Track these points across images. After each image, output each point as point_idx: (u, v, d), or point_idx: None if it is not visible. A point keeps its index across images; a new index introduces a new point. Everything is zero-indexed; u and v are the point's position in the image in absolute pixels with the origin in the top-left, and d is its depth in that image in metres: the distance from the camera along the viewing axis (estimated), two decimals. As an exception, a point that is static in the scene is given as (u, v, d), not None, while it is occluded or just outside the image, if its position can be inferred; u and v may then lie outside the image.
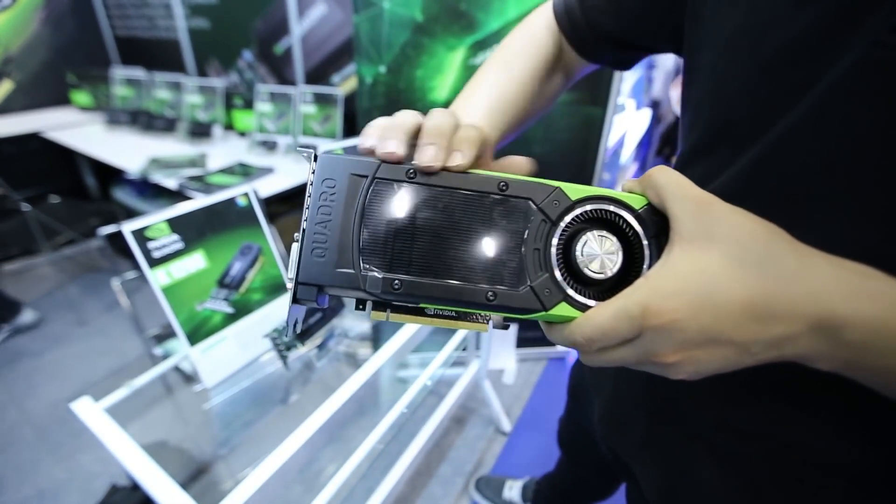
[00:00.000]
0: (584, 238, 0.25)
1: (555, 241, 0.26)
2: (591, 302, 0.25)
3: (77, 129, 2.35)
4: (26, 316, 1.92)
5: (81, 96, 2.64)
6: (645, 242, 0.25)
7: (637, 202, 0.25)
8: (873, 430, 0.30)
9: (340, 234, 0.25)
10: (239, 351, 0.76)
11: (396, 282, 0.25)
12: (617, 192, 0.26)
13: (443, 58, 1.21)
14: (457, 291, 0.25)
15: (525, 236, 0.26)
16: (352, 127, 1.92)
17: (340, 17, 1.84)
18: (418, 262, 0.25)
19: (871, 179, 0.26)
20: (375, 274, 0.25)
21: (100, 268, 2.43)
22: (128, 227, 0.62)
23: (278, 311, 0.81)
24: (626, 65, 0.49)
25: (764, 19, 0.30)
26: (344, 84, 1.96)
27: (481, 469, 1.41)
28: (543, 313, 0.25)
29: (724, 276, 0.21)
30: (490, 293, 0.25)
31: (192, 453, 0.82)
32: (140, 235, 0.63)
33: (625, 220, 0.25)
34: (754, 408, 0.34)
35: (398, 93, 1.25)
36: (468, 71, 1.22)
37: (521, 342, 1.77)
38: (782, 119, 0.29)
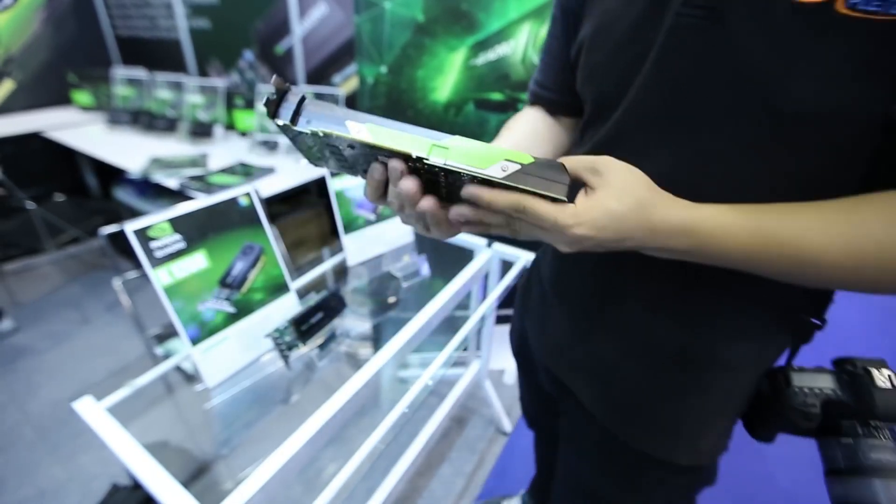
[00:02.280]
0: None
1: None
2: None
3: (78, 128, 2.35)
4: (5, 324, 1.92)
5: (82, 96, 2.64)
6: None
7: (527, 159, 0.33)
8: (746, 333, 0.44)
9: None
10: (241, 350, 0.76)
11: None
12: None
13: (444, 58, 1.21)
14: (396, 121, 0.34)
15: None
16: (353, 127, 1.92)
17: (341, 17, 1.84)
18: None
19: (686, 116, 0.38)
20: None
21: (102, 267, 2.43)
22: (130, 227, 0.62)
23: (280, 311, 0.81)
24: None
25: (612, 17, 0.42)
26: (345, 84, 1.97)
27: (482, 469, 1.41)
28: (454, 136, 0.33)
29: (616, 209, 0.33)
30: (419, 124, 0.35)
31: (193, 453, 0.82)
32: (142, 235, 0.63)
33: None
34: (664, 324, 0.46)
35: (399, 93, 1.25)
36: (469, 71, 1.22)
37: (522, 342, 1.77)
38: (634, 82, 0.40)
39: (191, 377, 0.88)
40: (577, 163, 0.34)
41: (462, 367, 1.51)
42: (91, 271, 2.39)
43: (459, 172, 0.33)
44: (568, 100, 0.54)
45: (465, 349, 1.53)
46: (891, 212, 0.31)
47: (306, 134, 0.34)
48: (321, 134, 0.33)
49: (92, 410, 0.68)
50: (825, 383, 0.46)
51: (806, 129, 0.33)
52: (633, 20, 0.39)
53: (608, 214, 0.33)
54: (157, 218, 0.65)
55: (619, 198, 0.33)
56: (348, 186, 0.98)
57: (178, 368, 0.86)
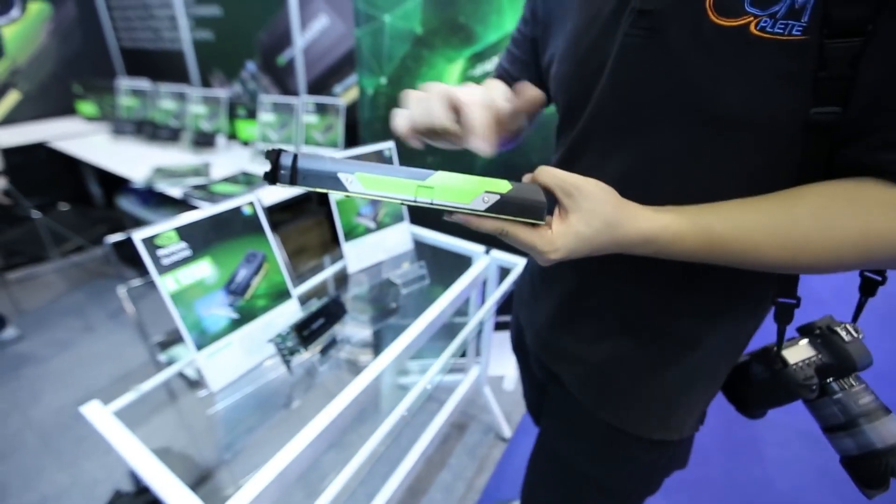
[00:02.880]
0: None
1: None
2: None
3: (83, 138, 2.38)
4: (8, 332, 1.94)
5: (87, 107, 2.68)
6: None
7: (505, 188, 0.37)
8: (715, 313, 0.49)
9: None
10: (244, 356, 0.78)
11: (343, 160, 0.38)
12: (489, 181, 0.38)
13: (442, 69, 1.24)
14: (381, 165, 0.37)
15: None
16: (353, 136, 1.95)
17: (342, 29, 1.87)
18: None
19: (638, 122, 0.43)
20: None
21: (105, 275, 2.45)
22: (138, 235, 0.64)
23: (282, 317, 0.83)
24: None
25: (578, 34, 0.47)
26: (345, 94, 2.00)
27: (482, 475, 1.42)
28: (437, 172, 0.37)
29: (585, 233, 0.38)
30: (402, 165, 0.39)
31: (196, 458, 0.84)
32: (150, 243, 0.65)
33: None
34: (638, 305, 0.51)
35: (398, 103, 1.28)
36: (467, 81, 1.25)
37: (521, 348, 1.79)
38: (595, 92, 0.45)
39: (194, 383, 0.89)
40: (553, 180, 0.38)
41: (461, 374, 1.52)
42: (94, 279, 2.41)
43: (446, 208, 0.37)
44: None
45: (463, 356, 1.54)
46: (817, 205, 0.36)
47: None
48: (319, 192, 0.37)
49: (99, 414, 0.70)
50: (809, 352, 0.50)
51: (738, 132, 0.38)
52: (593, 38, 0.45)
53: (579, 238, 0.38)
54: (164, 226, 0.67)
55: (589, 221, 0.37)
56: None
57: (181, 375, 0.88)
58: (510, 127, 0.50)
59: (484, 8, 1.17)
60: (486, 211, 0.37)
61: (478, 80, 1.24)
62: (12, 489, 1.37)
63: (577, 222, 0.37)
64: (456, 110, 0.42)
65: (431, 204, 0.37)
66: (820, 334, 0.49)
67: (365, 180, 0.37)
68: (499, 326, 1.65)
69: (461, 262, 1.14)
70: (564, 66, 0.50)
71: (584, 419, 0.59)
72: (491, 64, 1.24)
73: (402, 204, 0.39)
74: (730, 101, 0.37)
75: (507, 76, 0.64)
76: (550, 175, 0.38)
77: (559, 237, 0.38)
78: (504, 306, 1.36)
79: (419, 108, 0.43)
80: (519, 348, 0.78)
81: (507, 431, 1.54)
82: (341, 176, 0.36)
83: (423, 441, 1.25)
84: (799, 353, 0.50)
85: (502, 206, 0.37)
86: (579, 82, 0.48)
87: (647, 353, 0.52)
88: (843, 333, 0.48)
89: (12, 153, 2.28)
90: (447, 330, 1.10)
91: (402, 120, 0.45)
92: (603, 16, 0.44)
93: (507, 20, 1.19)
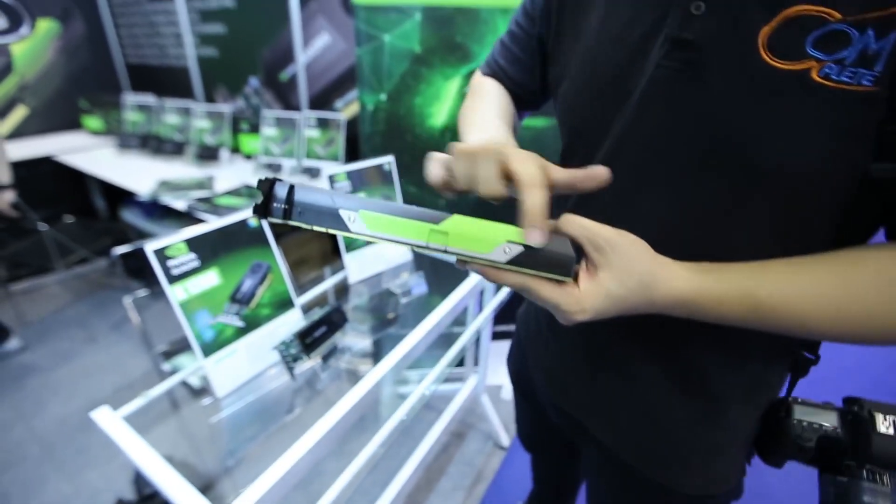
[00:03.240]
0: None
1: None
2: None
3: (88, 152, 2.43)
4: (12, 343, 1.97)
5: (93, 121, 2.74)
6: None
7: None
8: (742, 368, 0.46)
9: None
10: (249, 362, 0.80)
11: (348, 193, 0.33)
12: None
13: (440, 86, 1.29)
14: (388, 202, 0.34)
15: None
16: (354, 150, 1.99)
17: (343, 46, 1.93)
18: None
19: (665, 163, 0.39)
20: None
21: (108, 286, 2.48)
22: (150, 247, 0.68)
23: (286, 325, 0.86)
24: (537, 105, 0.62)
25: (596, 55, 0.43)
26: (346, 109, 2.05)
27: (481, 483, 1.44)
28: (454, 215, 0.33)
29: (618, 293, 0.34)
30: (412, 205, 0.34)
31: (200, 465, 0.85)
32: (161, 254, 0.69)
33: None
34: (658, 352, 0.47)
35: (398, 119, 1.32)
36: (464, 98, 1.29)
37: (519, 358, 1.81)
38: (615, 124, 0.42)
39: (197, 392, 0.92)
40: (581, 231, 0.34)
41: (460, 383, 1.54)
42: (97, 291, 2.44)
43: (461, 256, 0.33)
44: (529, 97, 0.59)
45: (462, 365, 1.56)
46: (883, 277, 0.32)
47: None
48: (317, 230, 0.33)
49: (109, 419, 0.73)
50: (827, 420, 0.46)
51: (782, 183, 0.34)
52: (617, 64, 0.41)
53: (609, 298, 0.33)
54: (175, 238, 0.70)
55: (622, 280, 0.33)
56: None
57: (185, 383, 0.90)
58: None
59: (480, 28, 1.22)
60: (507, 263, 0.33)
61: (474, 96, 1.29)
62: (15, 499, 1.39)
63: (609, 281, 0.33)
64: (508, 178, 0.35)
65: (445, 251, 0.33)
66: (855, 411, 0.45)
67: (370, 219, 0.33)
68: (497, 336, 1.67)
69: (459, 272, 1.17)
70: (577, 89, 0.46)
71: (623, 473, 0.55)
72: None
73: (412, 249, 0.34)
74: (777, 150, 0.33)
75: (504, 76, 0.60)
76: (577, 225, 0.34)
77: (588, 297, 0.33)
78: (501, 316, 1.39)
79: (465, 166, 0.36)
80: (520, 382, 0.75)
81: (506, 440, 1.56)
82: (343, 213, 0.32)
83: (421, 449, 1.27)
84: (812, 414, 0.47)
85: (526, 259, 0.32)
86: (595, 110, 0.44)
87: (676, 409, 0.48)
88: (881, 421, 0.43)
89: (19, 167, 2.32)
90: (445, 339, 1.13)
91: (438, 170, 0.39)
92: (630, 39, 0.40)
93: (502, 39, 1.24)
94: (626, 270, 0.33)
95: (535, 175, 0.33)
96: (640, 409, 0.50)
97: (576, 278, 0.34)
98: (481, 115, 0.54)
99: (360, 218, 0.33)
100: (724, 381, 0.46)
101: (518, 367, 0.74)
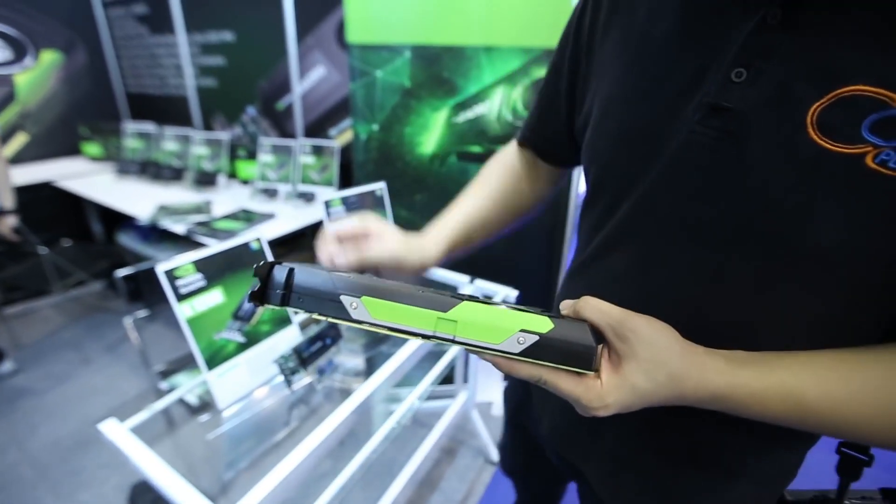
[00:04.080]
0: None
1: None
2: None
3: (88, 178, 2.49)
4: (6, 366, 1.98)
5: (92, 147, 2.81)
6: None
7: (545, 326, 0.31)
8: (770, 450, 0.43)
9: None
10: (249, 376, 0.86)
11: (350, 275, 0.32)
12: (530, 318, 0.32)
13: (428, 117, 1.38)
14: (393, 287, 0.31)
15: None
16: (347, 176, 2.07)
17: (337, 78, 2.04)
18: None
19: (694, 231, 0.37)
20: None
21: (103, 309, 2.50)
22: (161, 268, 0.74)
23: (284, 341, 0.91)
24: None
25: (624, 106, 0.41)
26: (340, 137, 2.14)
27: (471, 498, 1.47)
28: (463, 301, 0.31)
29: (645, 388, 0.31)
30: (420, 289, 0.32)
31: (197, 481, 0.89)
32: (170, 274, 0.75)
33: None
34: (679, 415, 0.41)
35: (390, 147, 1.41)
36: (451, 128, 1.39)
37: (508, 375, 1.85)
38: (640, 182, 0.40)
39: (195, 409, 0.96)
40: (603, 318, 0.31)
41: (450, 399, 1.58)
42: (92, 313, 2.46)
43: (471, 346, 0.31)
44: (558, 151, 0.58)
45: (452, 382, 1.61)
46: None
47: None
48: (316, 318, 0.32)
49: (117, 431, 0.77)
50: None
51: (823, 268, 0.32)
52: (646, 119, 0.38)
53: (635, 393, 0.31)
54: (183, 260, 0.77)
55: (649, 374, 0.31)
56: (344, 230, 1.11)
57: (182, 401, 0.94)
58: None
59: (465, 64, 1.33)
60: (521, 354, 0.30)
61: (460, 125, 1.39)
62: (8, 521, 1.39)
63: (634, 374, 0.31)
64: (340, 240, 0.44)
65: (453, 341, 0.31)
66: None
67: (373, 306, 0.31)
68: (486, 353, 1.72)
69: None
70: (603, 140, 0.43)
71: None
72: (472, 112, 1.38)
73: (419, 339, 0.31)
74: (822, 235, 0.30)
75: (533, 137, 0.60)
76: (598, 311, 0.31)
77: (612, 391, 0.31)
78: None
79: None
80: (519, 415, 0.74)
81: (496, 455, 1.59)
82: (345, 299, 0.31)
83: (412, 465, 1.30)
84: None
85: (542, 350, 0.30)
86: (620, 164, 0.41)
87: (685, 478, 0.46)
88: None
89: (19, 191, 2.36)
90: (435, 356, 1.18)
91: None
92: (663, 96, 0.37)
93: (485, 74, 1.34)
94: (653, 362, 0.31)
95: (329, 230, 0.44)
96: (642, 470, 0.48)
97: (597, 370, 0.31)
98: (448, 213, 0.60)
99: (362, 305, 0.30)
100: (739, 458, 0.43)
101: (520, 400, 0.73)
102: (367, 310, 0.31)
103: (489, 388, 1.84)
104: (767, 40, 0.32)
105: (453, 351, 1.08)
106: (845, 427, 0.32)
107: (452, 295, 0.32)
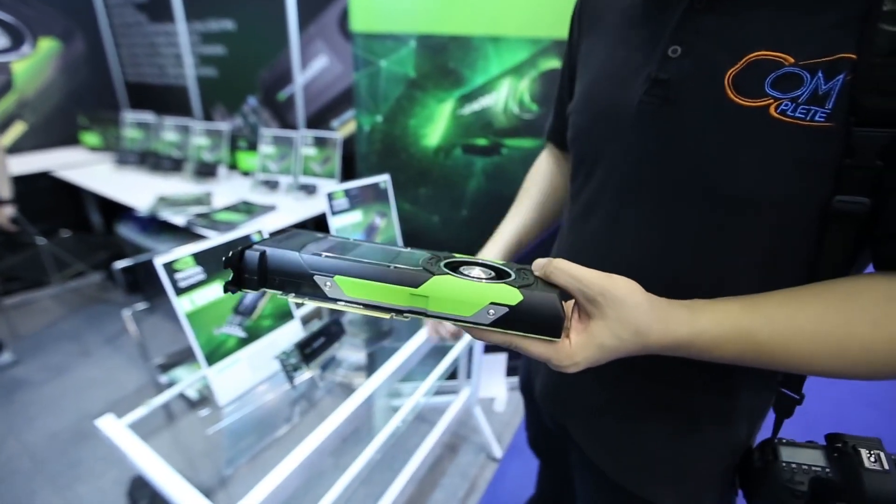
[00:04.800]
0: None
1: (443, 262, 0.35)
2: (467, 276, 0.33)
3: (86, 168, 2.46)
4: (4, 357, 1.97)
5: (91, 137, 2.77)
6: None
7: (514, 298, 0.32)
8: (726, 393, 0.47)
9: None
10: (250, 372, 0.84)
11: (322, 254, 0.32)
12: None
13: (433, 109, 1.35)
14: (366, 264, 0.32)
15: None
16: (350, 168, 2.05)
17: (340, 68, 2.00)
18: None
19: (648, 189, 0.43)
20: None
21: (102, 300, 2.48)
22: (159, 260, 0.72)
23: (286, 336, 0.89)
24: None
25: (595, 88, 0.49)
26: (342, 128, 2.11)
27: (474, 495, 1.46)
28: (433, 277, 0.32)
29: (612, 345, 0.34)
30: (391, 265, 0.32)
31: (197, 476, 0.87)
32: (169, 267, 0.73)
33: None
34: (650, 361, 0.44)
35: (394, 139, 1.38)
36: (456, 120, 1.36)
37: (511, 371, 1.84)
38: (607, 150, 0.46)
39: (194, 403, 0.94)
40: (572, 283, 0.34)
41: (452, 395, 1.57)
42: (91, 305, 2.44)
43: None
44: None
45: (455, 377, 1.59)
46: (877, 311, 0.33)
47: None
48: (294, 300, 0.32)
49: (114, 427, 0.75)
50: (814, 460, 0.44)
51: (753, 213, 0.37)
52: (610, 97, 0.46)
53: (603, 351, 0.34)
54: (182, 252, 0.74)
55: (616, 332, 0.33)
56: (345, 225, 1.08)
57: (182, 396, 0.93)
58: None
59: (472, 55, 1.29)
60: (492, 325, 0.32)
61: (466, 117, 1.36)
62: (5, 514, 1.38)
63: (602, 333, 0.33)
64: None
65: (425, 314, 0.32)
66: (841, 448, 0.43)
67: (347, 285, 0.31)
68: (489, 349, 1.71)
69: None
70: (579, 119, 0.51)
71: (603, 483, 0.56)
72: (478, 104, 1.35)
73: (391, 316, 0.32)
74: (746, 182, 0.36)
75: (555, 135, 0.67)
76: (567, 275, 0.34)
77: (580, 350, 0.33)
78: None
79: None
80: (526, 389, 0.78)
81: (498, 452, 1.58)
82: (319, 279, 0.31)
83: (414, 461, 1.29)
84: (800, 455, 0.45)
85: (511, 321, 0.31)
86: (592, 138, 0.48)
87: (653, 423, 0.50)
88: (866, 456, 0.41)
89: (17, 181, 2.34)
90: (438, 352, 1.16)
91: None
92: (622, 74, 0.45)
93: (492, 65, 1.31)
94: (620, 321, 0.33)
95: None
96: (616, 418, 0.52)
97: (566, 336, 0.33)
98: (502, 227, 0.72)
99: (336, 284, 0.31)
100: (704, 400, 0.47)
101: (526, 376, 0.77)
102: (341, 288, 0.31)
103: (492, 384, 1.82)
104: (695, 21, 0.39)
105: (458, 348, 1.07)
106: (796, 361, 0.35)
107: (426, 265, 0.33)
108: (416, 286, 0.31)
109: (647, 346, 0.35)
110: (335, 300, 0.32)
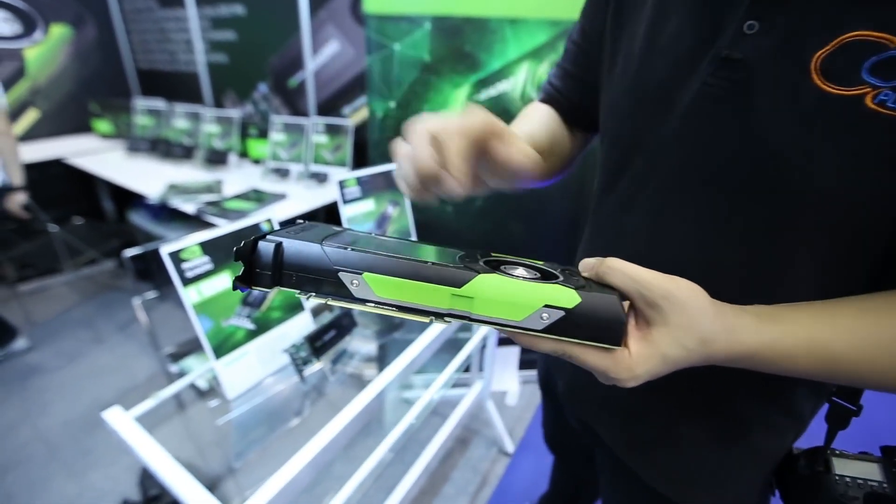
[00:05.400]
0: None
1: (481, 260, 0.31)
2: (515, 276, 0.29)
3: (98, 155, 2.46)
4: (19, 343, 1.98)
5: (103, 125, 2.77)
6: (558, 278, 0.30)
7: (571, 301, 0.28)
8: (774, 400, 0.44)
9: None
10: (259, 365, 0.81)
11: (348, 247, 0.27)
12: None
13: (448, 94, 1.30)
14: (400, 259, 0.27)
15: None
16: (362, 155, 2.01)
17: (352, 54, 1.96)
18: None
19: (704, 182, 0.38)
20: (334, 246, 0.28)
21: (116, 287, 2.49)
22: (165, 249, 0.69)
23: (296, 328, 0.87)
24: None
25: (640, 63, 0.42)
26: (354, 115, 2.07)
27: (485, 489, 1.43)
28: (478, 275, 0.27)
29: (675, 356, 0.30)
30: (429, 262, 0.27)
31: (206, 466, 0.86)
32: (175, 257, 0.70)
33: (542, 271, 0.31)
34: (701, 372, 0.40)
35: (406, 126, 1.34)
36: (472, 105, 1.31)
37: (524, 364, 1.81)
38: (654, 136, 0.41)
39: (205, 393, 0.93)
40: (631, 284, 0.30)
41: (465, 388, 1.54)
42: (105, 292, 2.46)
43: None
44: (581, 116, 0.56)
45: (466, 370, 1.57)
46: None
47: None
48: (315, 299, 0.28)
49: (121, 419, 0.73)
50: (870, 473, 0.42)
51: (825, 212, 0.33)
52: (661, 75, 0.40)
53: (666, 361, 0.30)
54: (189, 241, 0.72)
55: (680, 341, 0.29)
56: (357, 214, 1.05)
57: (193, 385, 0.91)
58: (508, 166, 0.37)
59: (489, 38, 1.24)
60: (545, 331, 0.28)
61: (482, 104, 1.31)
62: (19, 499, 1.39)
63: (665, 341, 0.29)
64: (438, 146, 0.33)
65: (469, 318, 0.28)
66: None
67: (377, 283, 0.27)
68: (502, 342, 1.67)
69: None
70: (618, 96, 0.45)
71: (633, 484, 0.53)
72: (495, 89, 1.30)
73: (430, 320, 0.28)
74: (826, 180, 0.32)
75: (557, 94, 0.58)
76: (625, 276, 0.30)
77: (641, 361, 0.29)
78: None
79: (406, 159, 0.35)
80: (546, 385, 0.75)
81: (510, 446, 1.56)
82: (344, 276, 0.27)
83: (426, 455, 1.27)
84: (854, 467, 0.42)
85: (567, 327, 0.27)
86: (637, 120, 0.43)
87: (695, 426, 0.47)
88: None
89: (30, 169, 2.34)
90: (451, 344, 1.13)
91: (400, 181, 0.38)
92: (677, 52, 0.39)
93: (509, 49, 1.25)
94: (684, 328, 0.29)
95: (449, 121, 0.33)
96: (652, 419, 0.49)
97: (626, 344, 0.30)
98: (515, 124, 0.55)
99: (364, 282, 0.27)
100: (752, 406, 0.44)
101: (546, 371, 0.74)
102: (371, 287, 0.27)
103: (504, 378, 1.79)
104: None
105: (474, 341, 1.03)
106: (873, 377, 0.32)
107: (465, 263, 0.29)
108: (460, 286, 0.27)
109: (710, 356, 0.31)
110: (363, 301, 0.27)
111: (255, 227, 0.80)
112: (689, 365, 0.31)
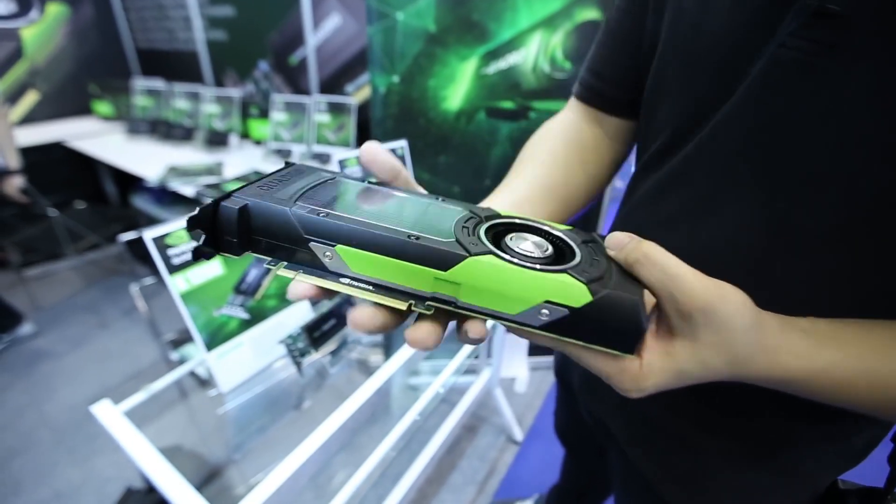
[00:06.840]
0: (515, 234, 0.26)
1: (484, 226, 0.26)
2: (515, 259, 0.23)
3: (98, 138, 2.41)
4: (25, 328, 1.96)
5: (103, 106, 2.72)
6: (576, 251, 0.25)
7: (581, 298, 0.22)
8: (820, 427, 0.38)
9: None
10: (254, 356, 0.77)
11: (322, 212, 0.23)
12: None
13: (455, 67, 1.22)
14: (379, 231, 0.23)
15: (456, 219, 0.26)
16: (365, 135, 1.94)
17: (354, 28, 1.87)
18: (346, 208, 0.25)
19: (769, 170, 0.30)
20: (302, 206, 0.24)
21: (120, 272, 2.48)
22: (149, 234, 0.64)
23: (293, 317, 0.82)
24: None
25: (695, 26, 0.34)
26: (357, 93, 1.99)
27: (493, 478, 1.40)
28: (468, 258, 0.23)
29: (697, 372, 0.25)
30: (412, 235, 0.23)
31: (205, 457, 0.83)
32: (160, 242, 0.65)
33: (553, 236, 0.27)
34: (713, 392, 0.37)
35: (411, 102, 1.26)
36: (480, 80, 1.23)
37: (533, 350, 1.76)
38: (711, 112, 0.33)
39: (205, 382, 0.89)
40: (666, 283, 0.23)
41: (473, 375, 1.50)
42: (109, 277, 2.44)
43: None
44: (629, 97, 0.45)
45: (475, 357, 1.52)
46: None
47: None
48: (284, 273, 0.24)
49: (109, 414, 0.70)
50: None
51: None
52: (726, 35, 0.32)
53: (681, 377, 0.25)
54: (175, 225, 0.66)
55: (704, 358, 0.24)
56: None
57: (193, 374, 0.88)
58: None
59: (498, 5, 1.15)
60: (543, 328, 0.23)
61: (491, 77, 1.23)
62: (26, 484, 1.39)
63: (685, 356, 0.24)
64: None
65: (455, 305, 0.23)
66: None
67: (351, 257, 0.23)
68: (510, 328, 1.63)
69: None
70: (666, 62, 0.37)
71: (646, 492, 0.49)
72: (505, 62, 1.22)
73: (409, 306, 0.23)
74: None
75: (602, 87, 0.47)
76: (662, 272, 0.23)
77: (652, 374, 0.24)
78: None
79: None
80: (562, 375, 0.71)
81: (519, 434, 1.52)
82: (316, 247, 0.23)
83: (434, 443, 1.24)
84: None
85: (571, 327, 0.23)
86: (689, 94, 0.35)
87: (728, 445, 0.42)
88: None
89: (31, 152, 2.31)
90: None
91: None
92: (748, 5, 0.30)
93: (521, 17, 1.17)
94: (714, 346, 0.24)
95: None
96: (680, 435, 0.44)
97: (639, 353, 0.24)
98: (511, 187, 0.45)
99: (337, 255, 0.23)
100: (788, 423, 0.38)
101: (561, 360, 0.70)
102: (345, 261, 0.23)
103: (513, 364, 1.75)
104: None
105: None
106: None
107: (463, 234, 0.24)
108: (445, 269, 0.22)
109: (739, 375, 0.25)
110: (337, 277, 0.23)
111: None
112: (706, 381, 0.26)
